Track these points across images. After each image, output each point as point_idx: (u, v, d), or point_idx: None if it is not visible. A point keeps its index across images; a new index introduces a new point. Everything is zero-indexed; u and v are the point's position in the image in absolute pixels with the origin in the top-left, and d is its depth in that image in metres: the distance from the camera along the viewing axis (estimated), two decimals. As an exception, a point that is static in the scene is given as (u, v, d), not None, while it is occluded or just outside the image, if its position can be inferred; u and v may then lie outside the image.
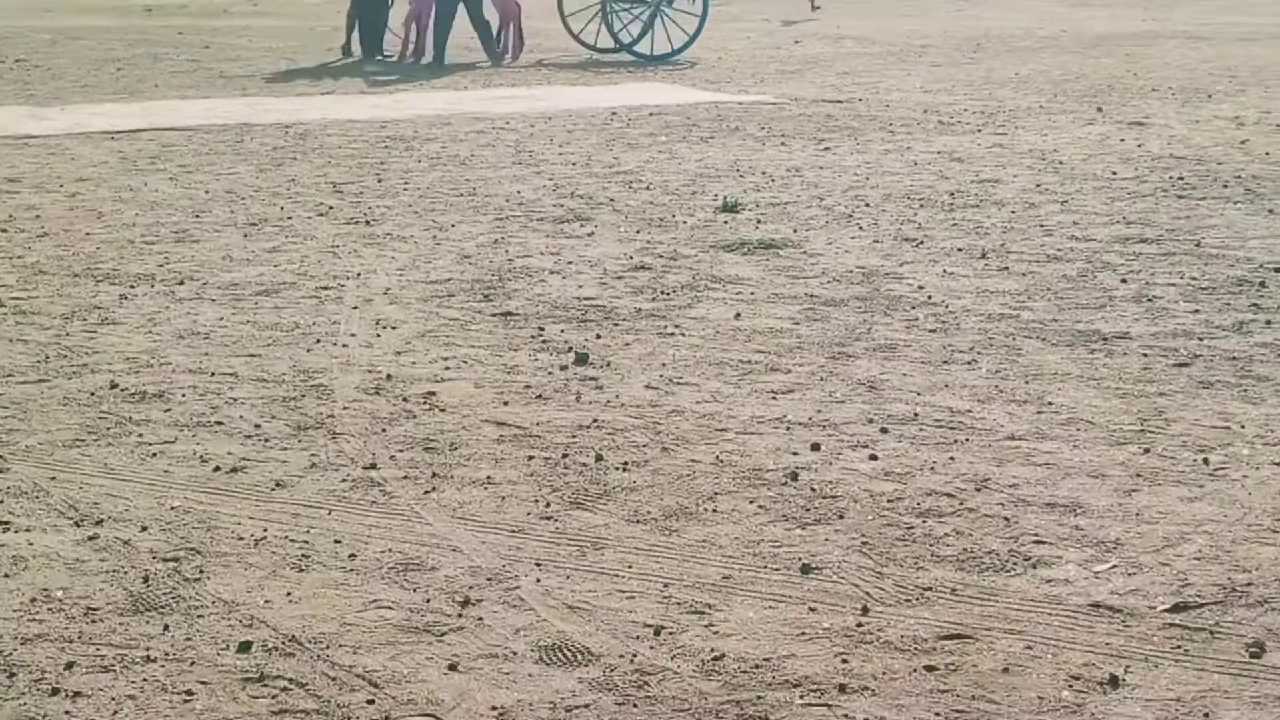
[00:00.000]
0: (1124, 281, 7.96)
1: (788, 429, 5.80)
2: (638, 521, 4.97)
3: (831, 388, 6.28)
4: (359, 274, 8.25)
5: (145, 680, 3.94)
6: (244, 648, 4.11)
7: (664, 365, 6.60)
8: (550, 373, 6.52)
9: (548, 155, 12.25)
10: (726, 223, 9.56)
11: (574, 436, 5.74)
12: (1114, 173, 11.26)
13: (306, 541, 4.83)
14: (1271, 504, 5.01)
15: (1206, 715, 3.78)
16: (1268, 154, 11.97)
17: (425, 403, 6.14)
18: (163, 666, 4.01)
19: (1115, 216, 9.65)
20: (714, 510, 5.05)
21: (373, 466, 5.44)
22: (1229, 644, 4.11)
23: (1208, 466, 5.36)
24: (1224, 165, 11.49)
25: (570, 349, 6.81)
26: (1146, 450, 5.53)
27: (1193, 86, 16.41)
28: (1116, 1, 29.55)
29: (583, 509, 5.08)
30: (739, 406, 6.07)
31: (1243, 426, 5.75)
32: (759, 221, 9.56)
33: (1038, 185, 10.77)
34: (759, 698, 3.89)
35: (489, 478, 5.35)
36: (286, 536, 4.86)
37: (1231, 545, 4.70)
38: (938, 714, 3.81)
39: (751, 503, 5.11)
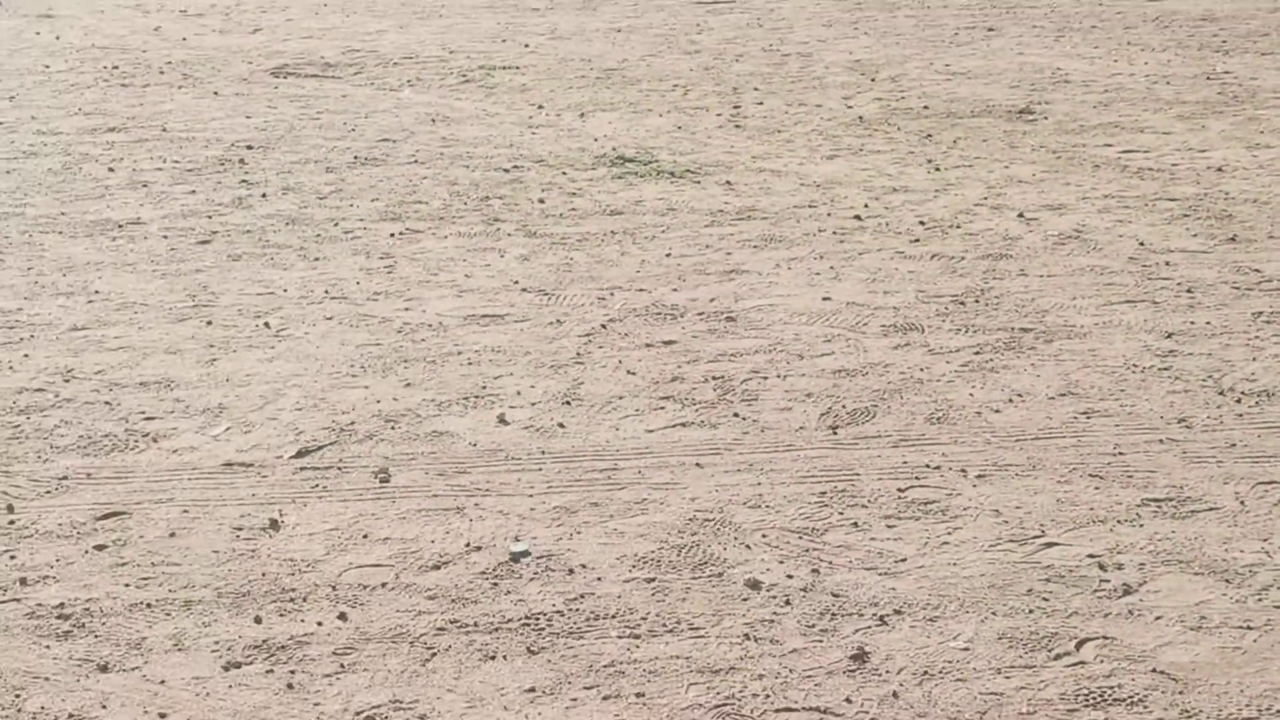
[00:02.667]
0: (111, 171, 8.14)
1: None
2: None
3: None
4: None
5: None
6: None
7: None
8: None
9: None
10: None
11: None
12: (46, 65, 11.25)
13: None
14: (340, 353, 5.56)
15: (366, 535, 4.26)
16: (185, 40, 12.46)
17: None
18: None
19: (71, 109, 9.71)
20: None
21: None
22: (358, 475, 4.61)
23: (271, 330, 5.80)
24: (149, 53, 11.83)
25: None
26: (209, 323, 5.87)
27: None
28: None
29: None
30: None
31: (285, 290, 6.25)
32: None
33: (-25, 83, 10.55)
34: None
35: None
36: None
37: (324, 393, 5.20)
38: (127, 585, 3.99)
39: None
